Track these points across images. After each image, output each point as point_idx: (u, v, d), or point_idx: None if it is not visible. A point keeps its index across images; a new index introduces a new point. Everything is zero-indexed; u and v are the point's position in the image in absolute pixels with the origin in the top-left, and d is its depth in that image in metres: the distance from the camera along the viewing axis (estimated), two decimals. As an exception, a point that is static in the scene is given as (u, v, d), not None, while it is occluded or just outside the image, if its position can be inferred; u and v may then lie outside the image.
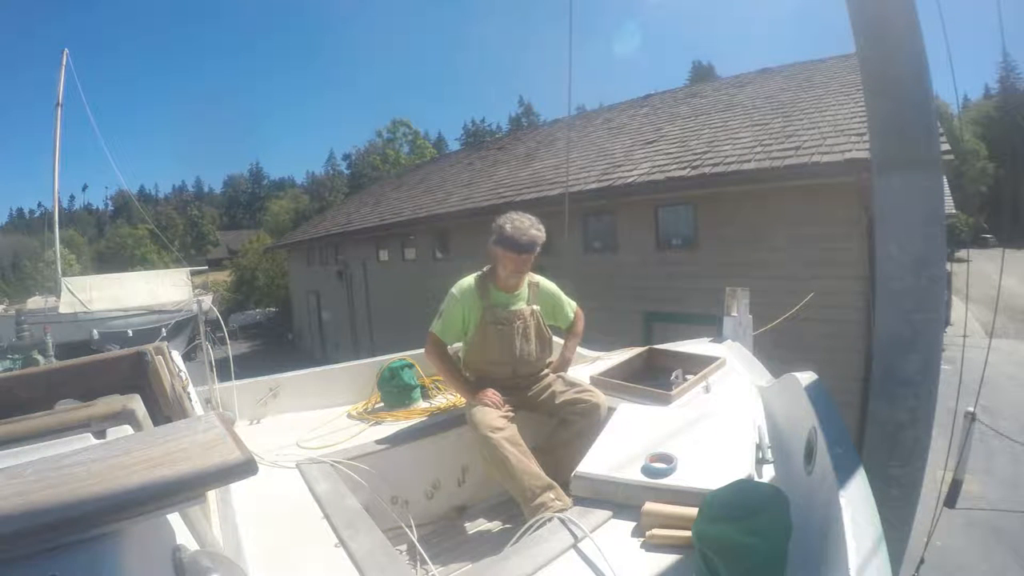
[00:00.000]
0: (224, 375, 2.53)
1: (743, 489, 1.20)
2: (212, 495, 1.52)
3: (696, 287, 7.16)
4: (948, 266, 3.69)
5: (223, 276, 36.04)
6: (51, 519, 0.64)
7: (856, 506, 1.12)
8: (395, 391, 2.71)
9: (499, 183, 12.04)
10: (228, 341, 2.63)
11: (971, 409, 3.41)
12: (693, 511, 1.25)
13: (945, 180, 4.54)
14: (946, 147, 5.42)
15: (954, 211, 10.73)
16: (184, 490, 0.73)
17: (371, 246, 15.29)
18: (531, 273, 2.48)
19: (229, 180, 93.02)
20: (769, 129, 7.73)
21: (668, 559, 1.32)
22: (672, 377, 2.48)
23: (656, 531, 1.39)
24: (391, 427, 2.43)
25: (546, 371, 2.47)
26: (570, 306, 2.60)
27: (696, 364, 2.60)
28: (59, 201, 18.15)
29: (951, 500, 3.42)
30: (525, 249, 2.24)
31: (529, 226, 2.26)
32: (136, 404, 1.23)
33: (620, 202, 8.39)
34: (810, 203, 6.37)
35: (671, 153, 8.48)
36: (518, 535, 1.49)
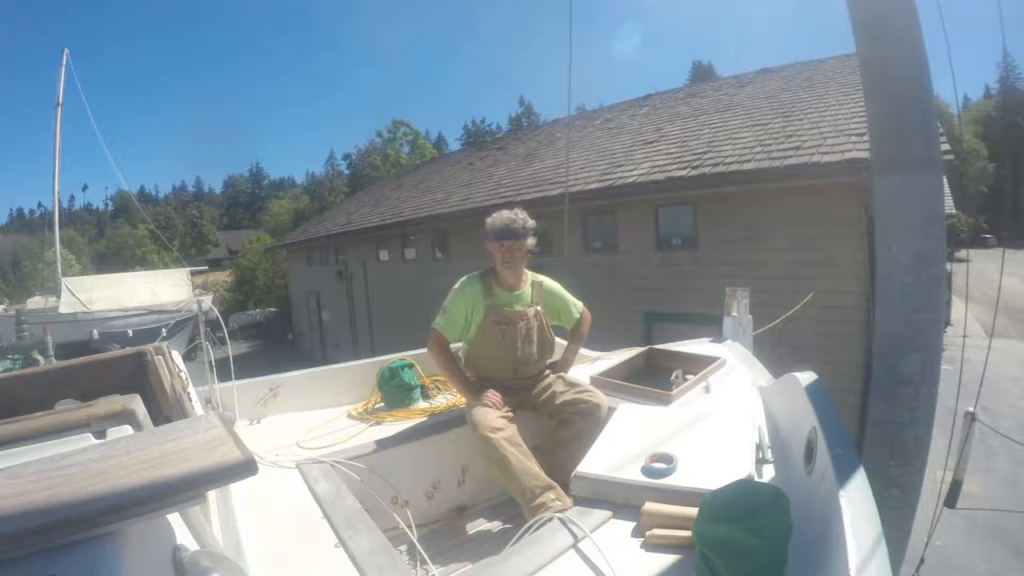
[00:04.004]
0: (224, 375, 2.52)
1: (743, 489, 1.20)
2: (212, 495, 1.52)
3: (696, 287, 7.16)
4: (948, 266, 3.69)
5: (223, 276, 36.05)
6: (51, 519, 0.64)
7: (856, 506, 1.12)
8: (395, 391, 2.71)
9: (499, 183, 12.04)
10: (228, 341, 2.63)
11: (971, 409, 3.41)
12: (693, 511, 1.25)
13: (945, 180, 4.54)
14: (946, 147, 5.42)
15: (954, 211, 10.72)
16: (184, 490, 0.73)
17: (371, 246, 15.29)
18: (534, 273, 2.48)
19: (229, 180, 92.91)
20: (769, 129, 7.73)
21: (668, 559, 1.32)
22: (672, 377, 2.47)
23: (656, 531, 1.39)
24: (391, 427, 2.42)
25: (547, 371, 2.47)
26: (575, 306, 2.59)
27: (696, 364, 2.60)
28: (59, 201, 18.15)
29: (951, 500, 3.42)
30: (502, 235, 2.28)
31: (508, 215, 2.32)
32: (136, 404, 1.23)
33: (620, 202, 8.39)
34: (810, 203, 6.37)
35: (671, 153, 8.48)
36: (518, 535, 1.49)
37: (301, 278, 21.77)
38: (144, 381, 1.49)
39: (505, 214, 2.33)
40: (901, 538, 2.57)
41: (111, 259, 46.42)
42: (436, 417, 2.50)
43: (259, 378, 2.75)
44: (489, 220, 2.35)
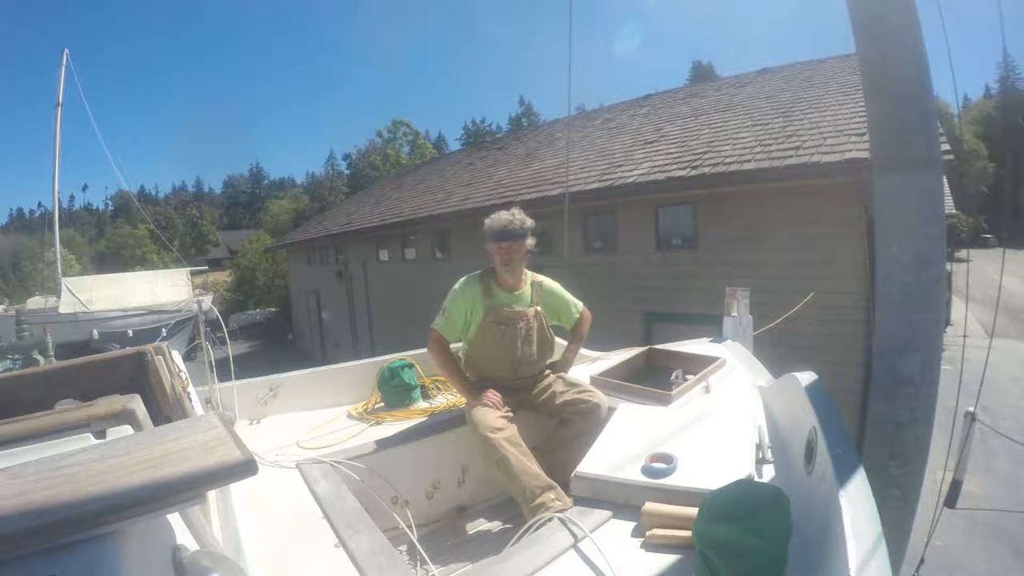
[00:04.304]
0: (224, 375, 2.52)
1: (743, 489, 1.20)
2: (212, 495, 1.52)
3: (696, 287, 7.16)
4: (948, 266, 3.69)
5: (223, 276, 36.06)
6: (51, 519, 0.64)
7: (856, 506, 1.12)
8: (395, 391, 2.71)
9: (499, 183, 12.04)
10: (228, 341, 2.63)
11: (971, 409, 3.42)
12: (693, 511, 1.25)
13: (945, 180, 4.54)
14: (946, 147, 5.42)
15: (954, 211, 10.72)
16: (184, 490, 0.73)
17: (371, 246, 15.29)
18: (533, 273, 2.48)
19: (229, 180, 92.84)
20: (769, 129, 7.73)
21: (668, 559, 1.32)
22: (672, 377, 2.47)
23: (656, 531, 1.39)
24: (391, 427, 2.42)
25: (547, 371, 2.47)
26: (575, 306, 2.59)
27: (696, 364, 2.60)
28: (59, 201, 18.12)
29: (951, 500, 3.42)
30: (501, 236, 2.28)
31: (505, 216, 2.31)
32: (136, 404, 1.23)
33: (620, 202, 8.39)
34: (810, 203, 6.37)
35: (671, 153, 8.48)
36: (518, 535, 1.49)
37: (301, 278, 21.77)
38: (144, 381, 1.49)
39: (503, 215, 2.32)
40: (901, 538, 2.57)
41: (111, 259, 46.43)
42: (436, 417, 2.49)
43: (259, 378, 2.75)
44: (487, 221, 2.34)
